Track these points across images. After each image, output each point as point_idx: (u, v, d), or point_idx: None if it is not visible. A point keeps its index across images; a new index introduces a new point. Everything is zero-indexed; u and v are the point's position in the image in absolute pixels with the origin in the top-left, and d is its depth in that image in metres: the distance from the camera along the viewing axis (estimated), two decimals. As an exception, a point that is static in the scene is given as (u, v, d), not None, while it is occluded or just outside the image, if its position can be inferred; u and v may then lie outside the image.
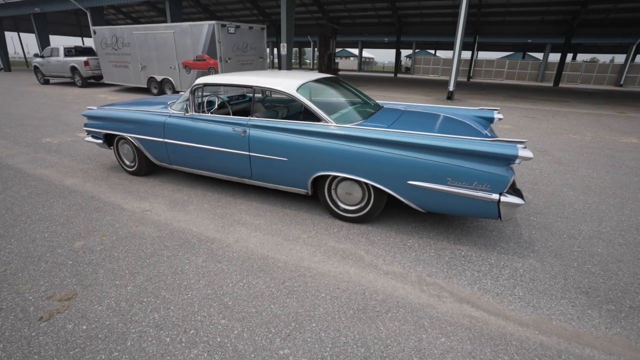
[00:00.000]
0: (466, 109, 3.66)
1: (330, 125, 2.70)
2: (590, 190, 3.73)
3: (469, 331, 1.79)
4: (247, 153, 2.96)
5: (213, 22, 8.48)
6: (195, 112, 3.25)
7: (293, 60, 60.31)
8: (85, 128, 3.92)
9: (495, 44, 31.98)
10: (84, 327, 1.76)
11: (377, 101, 3.85)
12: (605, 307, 2.00)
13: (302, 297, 2.01)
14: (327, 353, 1.63)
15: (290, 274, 2.22)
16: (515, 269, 2.32)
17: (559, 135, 6.40)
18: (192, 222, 2.90)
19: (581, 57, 33.19)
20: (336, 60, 28.13)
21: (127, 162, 3.92)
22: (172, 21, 14.44)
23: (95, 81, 12.96)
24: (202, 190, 3.54)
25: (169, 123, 3.31)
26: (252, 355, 1.62)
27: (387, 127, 2.72)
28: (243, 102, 3.91)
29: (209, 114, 3.18)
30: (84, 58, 12.08)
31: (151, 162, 3.74)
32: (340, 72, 27.98)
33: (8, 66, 22.08)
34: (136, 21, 30.85)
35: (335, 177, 2.78)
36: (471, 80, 25.35)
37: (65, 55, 12.57)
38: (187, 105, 3.28)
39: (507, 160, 2.21)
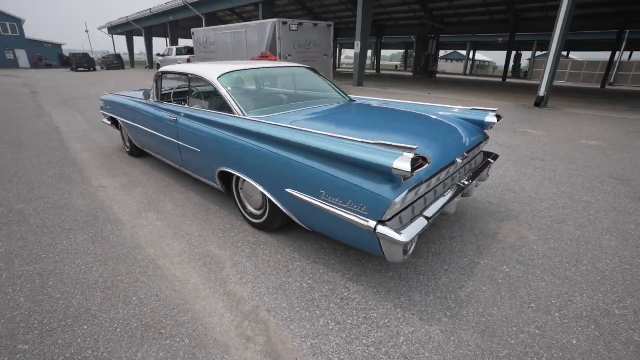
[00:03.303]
0: (455, 109, 2.81)
1: (228, 115, 2.41)
2: (653, 246, 2.43)
3: (233, 395, 1.32)
4: (177, 141, 2.89)
5: (275, 19, 8.78)
6: (156, 99, 3.34)
7: (398, 63, 58.01)
8: (101, 111, 4.50)
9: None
10: None
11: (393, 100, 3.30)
12: None
13: (115, 296, 1.82)
14: (54, 364, 1.42)
15: (134, 269, 2.05)
16: (395, 334, 1.63)
17: (675, 162, 4.42)
18: (122, 203, 3.00)
19: None
20: (436, 63, 25.85)
21: (127, 143, 4.33)
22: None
23: (195, 77, 15.03)
24: (163, 175, 3.64)
25: (138, 108, 3.50)
26: (-4, 342, 1.52)
27: (294, 120, 2.26)
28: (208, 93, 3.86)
29: (157, 101, 3.23)
30: (187, 56, 14.15)
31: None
32: (437, 75, 25.85)
33: (151, 64, 27.71)
34: (247, 21, 34.40)
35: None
36: (611, 86, 20.04)
37: (177, 54, 14.95)
38: (152, 92, 3.41)
39: (384, 174, 1.56)
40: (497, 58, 54.77)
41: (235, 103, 2.47)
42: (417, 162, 1.53)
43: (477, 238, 2.48)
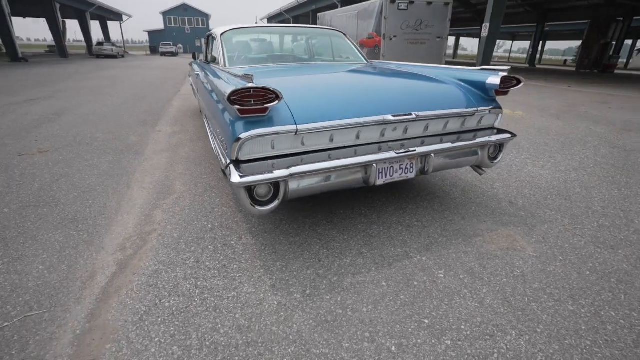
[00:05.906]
0: (461, 70, 2.19)
1: (213, 66, 2.57)
2: None
3: (67, 281, 1.50)
4: (198, 93, 3.26)
5: (383, -2, 8.44)
6: (204, 59, 3.80)
7: (571, 58, 45.92)
8: (188, 77, 5.40)
9: None
10: None
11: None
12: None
13: (66, 195, 2.28)
14: None
15: (109, 184, 2.49)
16: (230, 288, 1.50)
17: None
18: (158, 142, 3.60)
19: None
20: (617, 54, 19.23)
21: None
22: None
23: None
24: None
25: (193, 68, 4.07)
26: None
27: (259, 70, 2.24)
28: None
29: (203, 61, 3.66)
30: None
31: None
32: (615, 72, 19.65)
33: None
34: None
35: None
36: None
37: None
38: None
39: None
40: None
41: (223, 55, 2.60)
42: (269, 96, 1.33)
43: (443, 234, 1.94)
